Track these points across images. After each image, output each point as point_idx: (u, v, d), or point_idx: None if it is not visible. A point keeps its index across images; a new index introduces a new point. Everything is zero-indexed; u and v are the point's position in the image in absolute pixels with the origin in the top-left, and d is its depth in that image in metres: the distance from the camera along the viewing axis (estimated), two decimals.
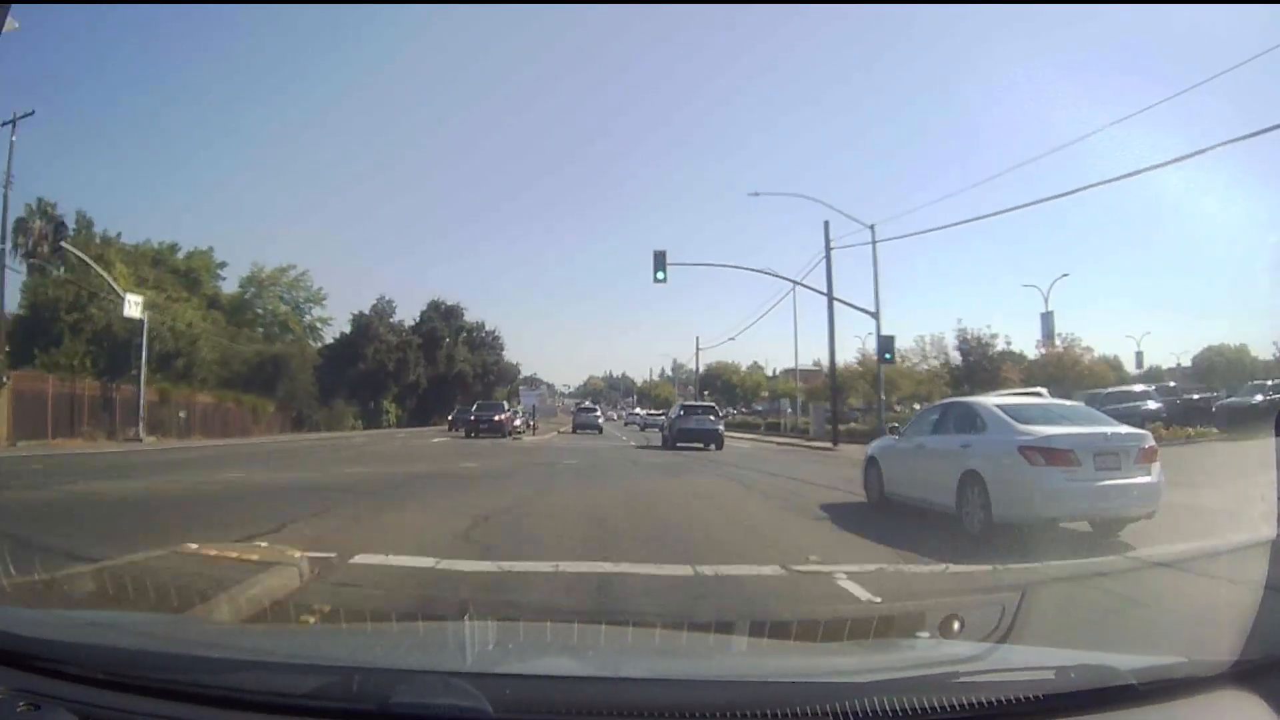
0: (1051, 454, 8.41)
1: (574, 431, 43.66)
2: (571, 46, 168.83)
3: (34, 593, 4.71)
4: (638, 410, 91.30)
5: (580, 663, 2.76)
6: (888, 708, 1.81)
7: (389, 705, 1.83)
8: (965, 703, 1.87)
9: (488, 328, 71.82)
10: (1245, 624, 2.49)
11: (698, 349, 75.69)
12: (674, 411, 33.05)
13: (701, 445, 27.88)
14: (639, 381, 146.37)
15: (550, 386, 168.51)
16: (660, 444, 31.69)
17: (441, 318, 66.65)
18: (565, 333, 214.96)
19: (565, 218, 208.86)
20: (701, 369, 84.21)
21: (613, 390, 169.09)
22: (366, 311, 60.98)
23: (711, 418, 29.72)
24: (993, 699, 1.89)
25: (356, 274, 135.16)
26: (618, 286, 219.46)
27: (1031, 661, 2.41)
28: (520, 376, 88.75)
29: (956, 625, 2.87)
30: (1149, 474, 8.66)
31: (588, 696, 1.96)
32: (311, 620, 4.73)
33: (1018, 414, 9.41)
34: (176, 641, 2.66)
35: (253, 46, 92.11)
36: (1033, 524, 8.48)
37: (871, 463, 11.96)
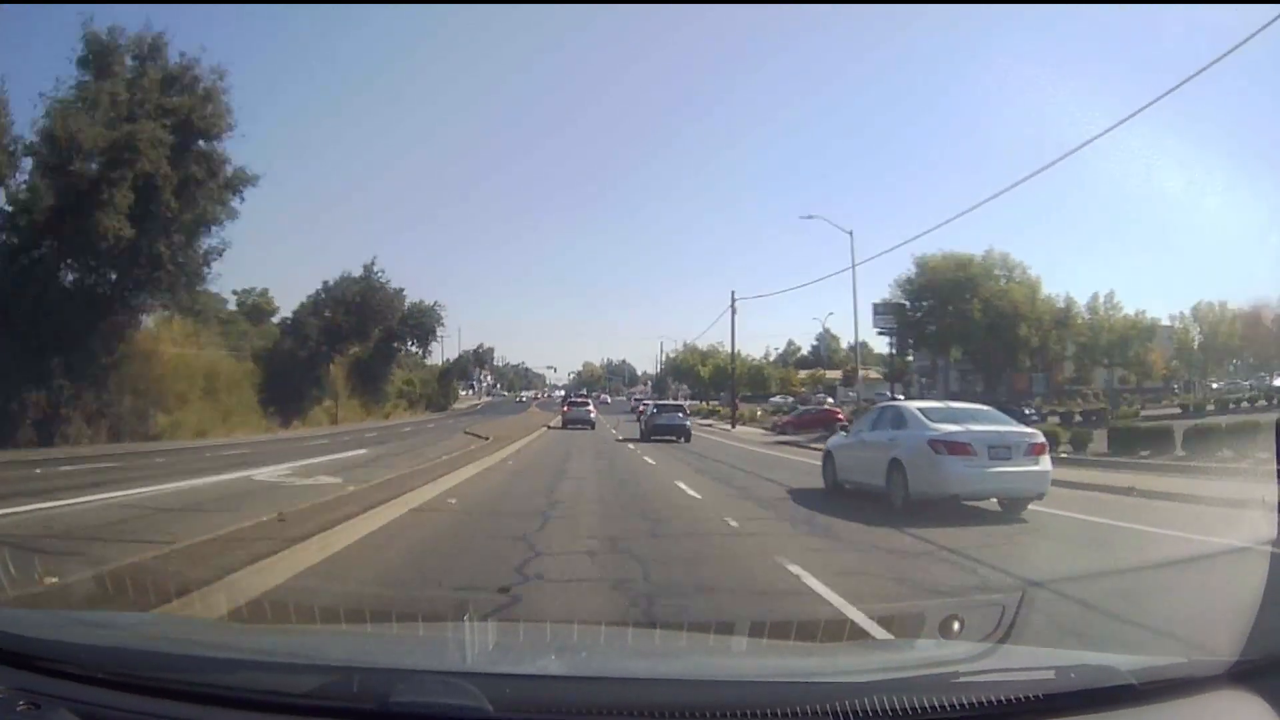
0: (953, 446, 10.58)
1: (564, 427, 41.88)
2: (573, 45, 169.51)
3: (34, 593, 4.69)
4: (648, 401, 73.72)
5: (580, 662, 2.76)
6: (888, 708, 1.81)
7: (389, 704, 1.82)
8: (965, 703, 1.87)
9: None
10: (1245, 624, 2.49)
11: None
12: (649, 410, 39.06)
13: (673, 438, 31.73)
14: (660, 361, 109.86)
15: (541, 376, 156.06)
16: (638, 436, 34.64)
17: None
18: (559, 320, 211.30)
19: (558, 205, 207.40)
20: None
21: (614, 377, 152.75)
22: None
23: (679, 414, 34.56)
24: (993, 699, 1.88)
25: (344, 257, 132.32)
26: (614, 271, 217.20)
27: (1031, 661, 2.41)
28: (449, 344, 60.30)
29: (956, 625, 2.87)
30: (1038, 464, 10.82)
31: (587, 696, 1.95)
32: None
33: (932, 415, 11.55)
34: (177, 641, 2.66)
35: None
36: (940, 500, 10.55)
37: (828, 456, 14.28)
